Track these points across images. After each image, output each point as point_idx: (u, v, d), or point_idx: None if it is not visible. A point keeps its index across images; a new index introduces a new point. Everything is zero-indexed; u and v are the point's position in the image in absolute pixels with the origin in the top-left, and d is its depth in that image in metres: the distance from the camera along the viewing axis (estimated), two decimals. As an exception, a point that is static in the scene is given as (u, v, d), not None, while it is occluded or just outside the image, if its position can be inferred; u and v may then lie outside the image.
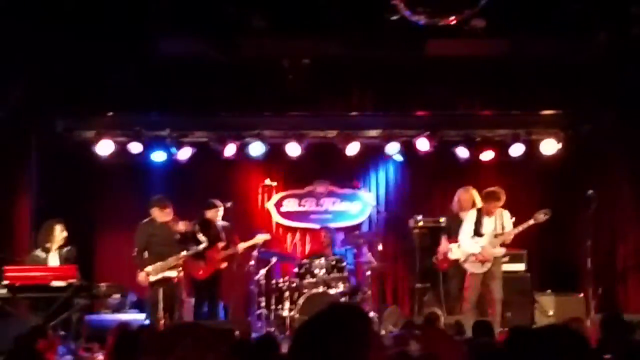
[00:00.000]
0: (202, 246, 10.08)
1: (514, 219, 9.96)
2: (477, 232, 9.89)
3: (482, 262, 9.80)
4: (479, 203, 10.16)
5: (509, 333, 6.72)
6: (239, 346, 5.30)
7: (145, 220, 10.13)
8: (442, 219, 11.11)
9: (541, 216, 9.75)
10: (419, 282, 11.45)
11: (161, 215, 10.00)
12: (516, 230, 9.80)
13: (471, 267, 9.89)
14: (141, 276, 9.78)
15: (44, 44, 9.26)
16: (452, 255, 10.23)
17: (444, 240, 10.59)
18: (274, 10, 8.92)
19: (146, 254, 9.94)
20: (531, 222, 9.77)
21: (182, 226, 10.14)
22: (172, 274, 9.79)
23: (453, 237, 10.32)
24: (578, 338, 2.53)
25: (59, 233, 9.64)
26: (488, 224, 9.88)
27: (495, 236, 9.80)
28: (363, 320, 2.50)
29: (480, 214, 9.97)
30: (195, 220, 10.38)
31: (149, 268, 9.76)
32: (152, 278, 9.74)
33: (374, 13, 8.28)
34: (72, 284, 8.81)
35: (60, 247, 9.64)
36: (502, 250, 9.93)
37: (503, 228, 9.81)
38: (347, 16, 8.89)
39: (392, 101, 10.91)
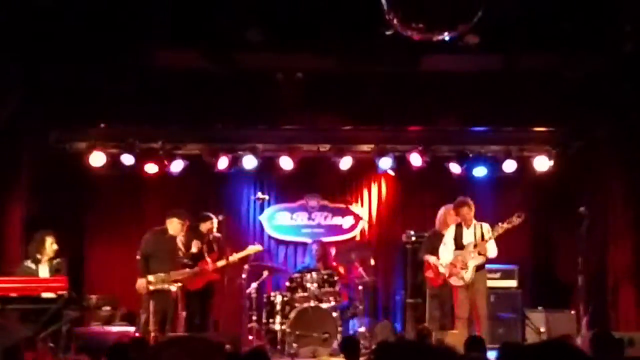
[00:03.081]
0: (208, 267, 10.14)
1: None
2: (458, 246, 9.88)
3: (460, 270, 9.78)
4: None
5: (501, 349, 6.71)
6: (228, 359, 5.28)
7: (157, 228, 10.10)
8: (426, 234, 11.10)
9: (514, 218, 9.71)
10: (410, 297, 11.44)
11: (178, 229, 9.95)
12: (492, 236, 9.73)
13: (453, 281, 9.89)
14: (141, 283, 9.70)
15: (38, 55, 9.25)
16: (444, 271, 10.19)
17: (429, 257, 10.51)
18: (269, 24, 8.93)
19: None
20: (506, 225, 9.70)
21: (195, 247, 10.14)
22: (172, 287, 9.74)
23: (435, 254, 10.30)
24: (573, 352, 2.51)
25: (50, 245, 9.59)
26: (467, 236, 9.86)
27: (475, 246, 9.78)
28: None
29: (459, 227, 9.97)
30: (190, 233, 10.36)
31: (151, 277, 9.69)
32: (152, 287, 9.66)
33: (368, 28, 8.29)
34: (62, 296, 8.76)
35: (51, 259, 9.60)
36: (481, 259, 9.86)
37: (483, 239, 9.79)
38: (341, 30, 8.91)
39: (385, 116, 10.92)
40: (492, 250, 9.81)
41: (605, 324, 10.22)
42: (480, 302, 9.72)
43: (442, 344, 8.17)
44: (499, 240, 9.90)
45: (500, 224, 9.72)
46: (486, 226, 9.83)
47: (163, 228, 10.02)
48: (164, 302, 9.67)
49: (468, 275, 9.74)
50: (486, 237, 9.73)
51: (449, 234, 10.05)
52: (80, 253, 11.99)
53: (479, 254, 9.76)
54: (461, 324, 9.66)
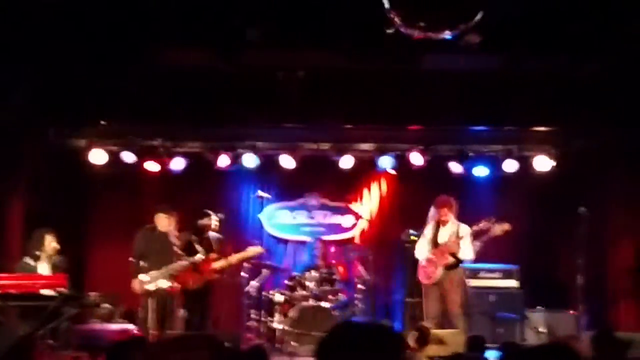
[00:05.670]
0: (198, 257, 10.02)
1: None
2: (434, 243, 9.89)
3: (429, 268, 9.78)
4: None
5: (501, 349, 6.71)
6: (228, 357, 5.26)
7: (147, 227, 10.05)
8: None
9: (484, 223, 9.70)
10: (409, 296, 11.42)
11: (166, 223, 9.91)
12: (464, 237, 9.69)
13: (422, 279, 9.93)
14: (136, 284, 9.70)
15: (39, 51, 9.25)
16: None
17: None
18: (269, 21, 8.92)
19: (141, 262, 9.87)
20: (475, 228, 9.70)
21: (188, 237, 10.10)
22: (167, 284, 9.71)
23: None
24: (572, 356, 2.51)
25: (49, 242, 9.57)
26: (443, 234, 9.87)
27: (437, 245, 9.79)
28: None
29: (437, 225, 9.97)
30: (190, 231, 10.34)
31: (144, 276, 9.67)
32: (147, 287, 9.65)
33: (369, 26, 8.28)
34: (62, 293, 8.74)
35: (51, 256, 9.58)
36: (450, 259, 9.76)
37: (457, 239, 9.77)
38: (342, 29, 8.90)
39: (385, 115, 10.90)
40: (465, 253, 9.76)
41: (606, 325, 10.20)
42: (450, 300, 9.69)
43: (439, 341, 8.17)
44: (498, 240, 9.88)
45: (474, 226, 9.72)
46: (464, 227, 9.80)
47: (152, 226, 9.99)
48: (161, 300, 9.65)
49: (437, 273, 9.73)
50: (461, 236, 9.71)
51: (428, 231, 10.05)
52: (80, 250, 11.98)
53: (450, 254, 9.74)
54: (432, 322, 9.61)
